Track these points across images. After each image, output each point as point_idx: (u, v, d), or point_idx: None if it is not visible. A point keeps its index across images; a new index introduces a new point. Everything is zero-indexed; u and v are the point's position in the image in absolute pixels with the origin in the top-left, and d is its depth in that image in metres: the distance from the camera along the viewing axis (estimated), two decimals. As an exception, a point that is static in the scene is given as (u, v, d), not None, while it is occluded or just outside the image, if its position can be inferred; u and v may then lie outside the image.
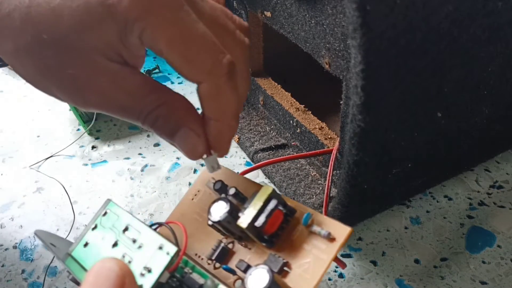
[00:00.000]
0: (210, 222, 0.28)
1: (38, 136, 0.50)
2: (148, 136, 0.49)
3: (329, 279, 0.35)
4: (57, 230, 0.40)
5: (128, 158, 0.47)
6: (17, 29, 0.24)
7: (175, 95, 0.26)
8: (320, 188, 0.39)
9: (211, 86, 0.25)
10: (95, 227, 0.28)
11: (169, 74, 0.60)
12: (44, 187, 0.44)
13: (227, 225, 0.27)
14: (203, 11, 0.26)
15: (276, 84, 0.45)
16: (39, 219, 0.41)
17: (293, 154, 0.43)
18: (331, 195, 0.35)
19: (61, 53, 0.24)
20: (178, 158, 0.46)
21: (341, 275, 0.36)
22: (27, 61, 0.25)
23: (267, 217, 0.26)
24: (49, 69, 0.25)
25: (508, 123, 0.39)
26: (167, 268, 0.24)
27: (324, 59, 0.34)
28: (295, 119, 0.42)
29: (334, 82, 0.34)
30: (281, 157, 0.40)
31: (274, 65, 0.47)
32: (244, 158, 0.46)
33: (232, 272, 0.28)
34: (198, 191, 0.33)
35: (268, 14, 0.38)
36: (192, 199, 0.33)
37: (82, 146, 0.48)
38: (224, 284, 0.25)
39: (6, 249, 0.38)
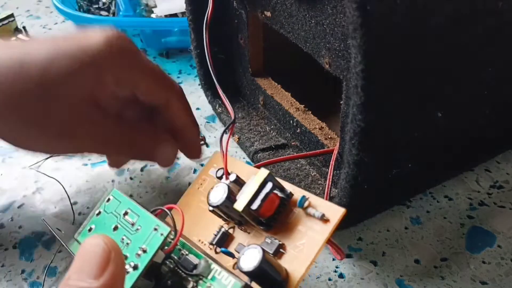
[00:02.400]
0: (210, 208, 0.28)
1: (38, 136, 0.50)
2: (148, 136, 0.49)
3: (329, 279, 0.35)
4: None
5: (128, 158, 0.47)
6: (8, 84, 0.28)
7: (143, 127, 0.33)
8: (320, 188, 0.39)
9: (179, 101, 0.34)
10: (99, 213, 0.29)
11: (168, 74, 0.60)
12: (44, 187, 0.44)
13: (226, 210, 0.28)
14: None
15: (276, 84, 0.45)
16: (39, 219, 0.41)
17: (293, 154, 0.43)
18: (331, 195, 0.35)
19: (48, 101, 0.28)
20: (177, 158, 0.46)
21: (341, 275, 0.36)
22: (12, 114, 0.29)
23: (263, 200, 0.26)
24: (36, 118, 0.29)
25: (508, 123, 0.39)
26: (161, 248, 0.25)
27: (324, 59, 0.34)
28: (295, 119, 0.42)
29: (334, 82, 0.34)
30: (281, 157, 0.40)
31: (274, 65, 0.46)
32: (244, 158, 0.46)
33: (231, 255, 0.28)
34: (204, 180, 0.34)
35: (268, 14, 0.38)
36: (198, 188, 0.34)
37: (82, 146, 0.48)
38: (222, 266, 0.25)
39: (6, 249, 0.38)
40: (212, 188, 0.29)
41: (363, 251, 0.37)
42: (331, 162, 0.34)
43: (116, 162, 0.38)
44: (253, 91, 0.47)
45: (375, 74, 0.27)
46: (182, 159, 0.46)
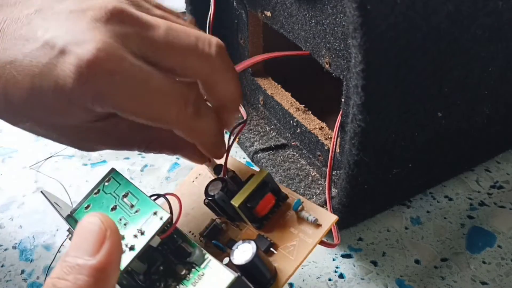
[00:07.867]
0: (206, 200, 0.29)
1: (38, 136, 0.50)
2: (148, 136, 0.49)
3: (329, 279, 0.35)
4: (57, 230, 0.40)
5: (127, 158, 0.47)
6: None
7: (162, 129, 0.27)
8: (320, 189, 0.39)
9: (182, 130, 0.26)
10: (98, 192, 0.29)
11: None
12: (44, 187, 0.44)
13: (222, 204, 0.29)
14: (157, 45, 0.25)
15: (276, 84, 0.45)
16: (39, 219, 0.41)
17: (293, 154, 0.43)
18: (331, 195, 0.35)
19: (27, 120, 0.28)
20: (177, 158, 0.46)
21: (341, 276, 0.36)
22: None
23: (260, 198, 0.27)
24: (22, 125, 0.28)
25: (508, 123, 0.39)
26: (159, 232, 0.26)
27: (325, 59, 0.34)
28: (295, 119, 0.42)
29: (334, 82, 0.34)
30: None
31: (274, 65, 0.46)
32: (244, 158, 0.46)
33: (221, 248, 0.29)
34: (199, 174, 0.34)
35: (268, 14, 0.38)
36: (193, 181, 0.34)
37: (82, 146, 0.48)
38: (215, 258, 0.25)
39: (5, 249, 0.38)
40: (211, 182, 0.29)
41: (363, 251, 0.37)
42: (329, 161, 0.34)
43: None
44: (253, 91, 0.47)
45: (375, 74, 0.27)
46: (182, 159, 0.46)
